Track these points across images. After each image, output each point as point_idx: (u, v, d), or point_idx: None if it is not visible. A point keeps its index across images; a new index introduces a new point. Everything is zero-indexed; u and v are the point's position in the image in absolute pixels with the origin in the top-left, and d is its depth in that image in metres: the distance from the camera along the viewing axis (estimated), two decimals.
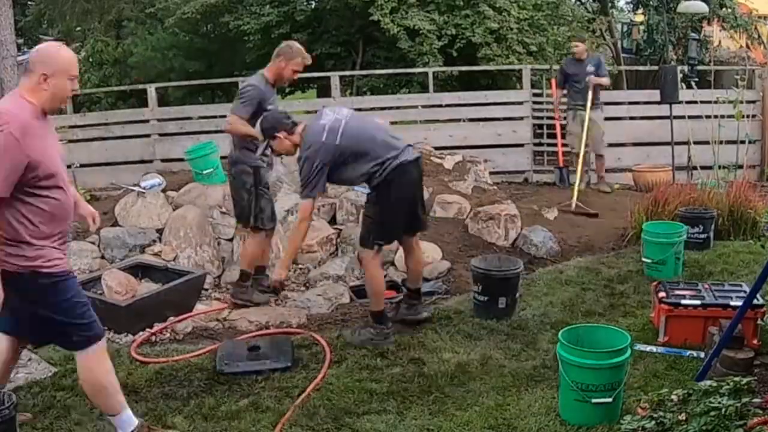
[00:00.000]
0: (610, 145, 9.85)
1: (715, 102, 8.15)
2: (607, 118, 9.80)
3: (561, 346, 3.46)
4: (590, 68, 8.10)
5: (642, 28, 14.21)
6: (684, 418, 2.90)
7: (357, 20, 11.58)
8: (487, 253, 5.83)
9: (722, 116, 8.07)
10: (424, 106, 10.11)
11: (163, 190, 6.77)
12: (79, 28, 17.59)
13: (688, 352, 4.08)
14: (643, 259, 5.39)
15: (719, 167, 7.61)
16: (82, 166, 9.63)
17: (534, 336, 4.41)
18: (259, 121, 4.51)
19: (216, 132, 10.02)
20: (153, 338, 4.62)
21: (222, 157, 9.30)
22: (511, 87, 10.41)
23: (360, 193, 6.70)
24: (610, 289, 5.21)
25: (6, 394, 3.14)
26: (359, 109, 10.12)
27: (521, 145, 9.78)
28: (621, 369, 3.37)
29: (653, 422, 2.94)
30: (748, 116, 8.47)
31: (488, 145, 9.64)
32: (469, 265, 4.94)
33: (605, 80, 8.30)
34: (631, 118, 9.91)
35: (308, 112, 11.34)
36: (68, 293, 3.10)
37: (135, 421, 3.33)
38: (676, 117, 8.49)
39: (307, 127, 4.37)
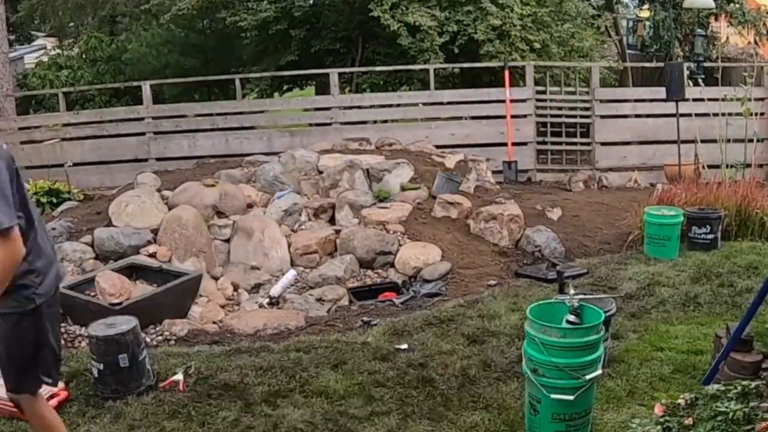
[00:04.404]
0: (615, 143, 9.76)
1: (723, 99, 8.05)
2: (611, 116, 9.72)
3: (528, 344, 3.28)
4: None
5: (648, 24, 14.01)
6: (691, 422, 2.83)
7: (356, 16, 11.47)
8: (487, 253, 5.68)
9: (730, 114, 7.96)
10: (425, 104, 9.99)
11: (158, 190, 6.66)
12: (72, 24, 17.51)
13: None
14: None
15: (727, 166, 7.49)
16: (75, 165, 9.55)
17: None
18: None
19: (212, 130, 9.94)
20: (147, 340, 4.49)
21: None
22: (514, 84, 10.26)
23: (359, 194, 6.56)
24: (615, 290, 5.09)
25: None
26: (359, 107, 10.15)
27: (524, 144, 9.66)
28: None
29: (659, 427, 2.87)
30: (756, 114, 8.35)
31: (490, 144, 9.52)
32: (472, 267, 4.83)
33: None
34: (637, 115, 9.79)
35: (306, 110, 11.29)
36: None
37: None
38: (682, 115, 8.36)
39: None
